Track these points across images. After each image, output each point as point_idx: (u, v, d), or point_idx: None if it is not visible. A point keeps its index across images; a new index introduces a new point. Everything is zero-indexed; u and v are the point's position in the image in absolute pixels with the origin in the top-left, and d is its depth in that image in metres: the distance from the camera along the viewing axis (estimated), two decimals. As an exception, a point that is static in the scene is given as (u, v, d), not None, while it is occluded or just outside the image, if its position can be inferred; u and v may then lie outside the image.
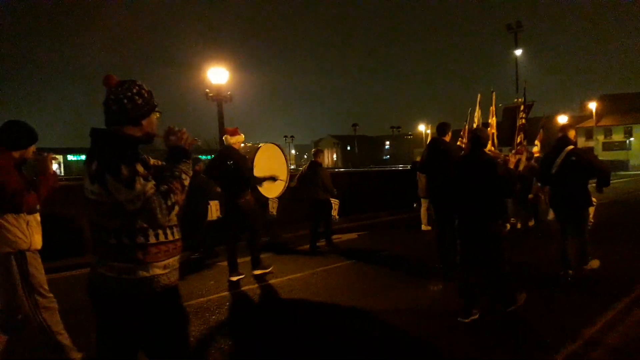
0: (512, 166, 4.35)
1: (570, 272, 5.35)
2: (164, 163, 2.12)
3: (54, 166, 3.44)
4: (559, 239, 5.57)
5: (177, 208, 1.98)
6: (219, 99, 16.29)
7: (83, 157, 3.25)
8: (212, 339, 3.93)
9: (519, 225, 9.17)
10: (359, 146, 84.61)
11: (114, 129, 2.02)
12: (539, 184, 7.13)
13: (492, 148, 8.98)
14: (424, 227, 9.61)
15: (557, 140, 5.57)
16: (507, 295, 4.31)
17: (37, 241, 3.19)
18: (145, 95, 2.07)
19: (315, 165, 8.03)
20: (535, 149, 10.40)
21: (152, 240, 1.98)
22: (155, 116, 2.13)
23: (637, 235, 8.48)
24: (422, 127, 75.97)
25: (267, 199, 7.49)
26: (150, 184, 1.92)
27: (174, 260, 2.09)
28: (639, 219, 11.31)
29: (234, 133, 6.07)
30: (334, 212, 8.68)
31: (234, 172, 5.81)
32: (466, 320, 4.12)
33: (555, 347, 3.57)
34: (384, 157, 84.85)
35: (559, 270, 5.44)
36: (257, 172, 6.15)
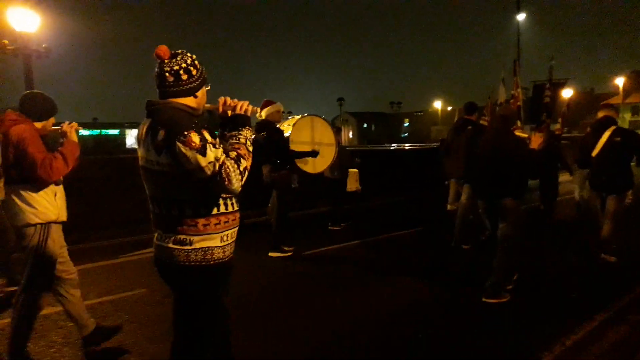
0: (535, 146, 4.17)
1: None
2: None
3: None
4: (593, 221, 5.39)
5: (247, 174, 1.99)
6: (25, 54, 11.83)
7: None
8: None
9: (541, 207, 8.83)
10: (377, 123, 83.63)
11: (173, 101, 2.02)
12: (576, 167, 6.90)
13: (519, 123, 8.66)
14: (449, 207, 9.36)
15: (598, 121, 5.25)
16: (495, 285, 4.16)
17: (64, 213, 3.18)
18: (198, 66, 2.07)
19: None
20: (557, 126, 9.95)
21: (214, 211, 2.02)
22: (207, 88, 2.15)
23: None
24: (438, 104, 74.59)
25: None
26: (221, 151, 1.93)
27: (232, 232, 2.12)
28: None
29: (265, 105, 5.69)
30: (356, 183, 8.43)
31: (266, 145, 5.56)
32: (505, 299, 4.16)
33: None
34: (402, 135, 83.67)
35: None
36: (296, 147, 5.87)
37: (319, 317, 4.00)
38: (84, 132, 51.49)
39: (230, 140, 2.09)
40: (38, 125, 3.11)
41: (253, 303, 4.31)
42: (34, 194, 2.98)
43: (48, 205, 3.03)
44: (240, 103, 2.17)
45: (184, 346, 2.17)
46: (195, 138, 1.87)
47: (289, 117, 6.67)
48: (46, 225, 3.03)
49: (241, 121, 2.14)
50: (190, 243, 2.00)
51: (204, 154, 1.87)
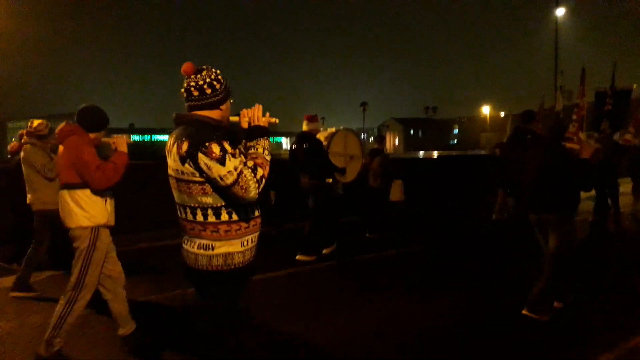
0: (587, 156, 3.98)
1: None
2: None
3: None
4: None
5: (264, 181, 2.09)
6: None
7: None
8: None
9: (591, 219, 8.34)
10: (424, 130, 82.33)
11: (198, 114, 2.16)
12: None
13: (577, 136, 8.29)
14: (494, 217, 9.03)
15: None
16: (537, 300, 4.02)
17: (112, 218, 3.38)
18: (222, 81, 2.20)
19: (374, 153, 7.80)
20: (629, 136, 9.31)
21: (235, 217, 2.12)
22: (230, 101, 2.27)
23: None
24: (486, 110, 71.92)
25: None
26: (240, 160, 2.05)
27: (253, 237, 2.21)
28: None
29: (311, 120, 6.05)
30: (400, 193, 8.36)
31: (309, 155, 5.82)
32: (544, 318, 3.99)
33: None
34: (451, 142, 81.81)
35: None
36: (334, 157, 6.05)
37: (340, 327, 3.96)
38: (135, 137, 53.74)
39: (249, 151, 2.20)
40: (92, 136, 3.35)
41: (275, 309, 4.34)
42: (86, 199, 3.21)
43: (98, 209, 3.24)
44: (258, 114, 2.27)
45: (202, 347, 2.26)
46: (215, 149, 1.99)
47: (325, 127, 6.87)
48: (96, 228, 3.24)
49: (259, 132, 2.24)
50: (212, 248, 2.11)
51: (223, 164, 1.99)
